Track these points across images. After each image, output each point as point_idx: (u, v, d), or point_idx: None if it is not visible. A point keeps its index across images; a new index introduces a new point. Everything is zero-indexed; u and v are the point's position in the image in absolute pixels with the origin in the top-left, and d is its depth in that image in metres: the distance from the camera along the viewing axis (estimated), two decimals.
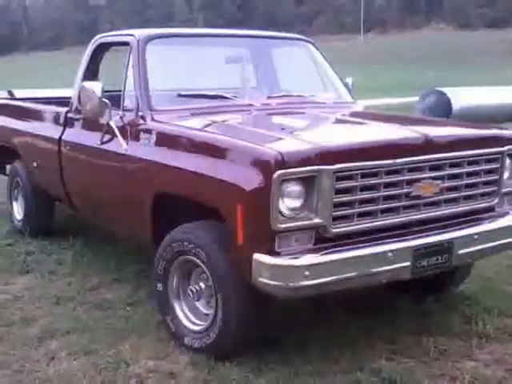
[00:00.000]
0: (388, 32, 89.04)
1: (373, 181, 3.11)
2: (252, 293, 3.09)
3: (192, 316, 3.52)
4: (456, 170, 3.42)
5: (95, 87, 3.97)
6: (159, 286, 3.58)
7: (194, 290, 3.46)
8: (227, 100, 4.15)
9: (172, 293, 3.56)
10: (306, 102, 4.48)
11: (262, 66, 4.98)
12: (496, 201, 3.65)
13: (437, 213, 3.40)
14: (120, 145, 3.92)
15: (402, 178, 3.21)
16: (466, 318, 3.89)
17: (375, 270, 3.09)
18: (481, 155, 3.50)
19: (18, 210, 5.90)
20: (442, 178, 3.35)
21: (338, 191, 3.00)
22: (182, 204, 3.50)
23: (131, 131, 3.91)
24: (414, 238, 3.24)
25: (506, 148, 3.59)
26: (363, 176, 3.07)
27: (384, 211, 3.20)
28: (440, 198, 3.38)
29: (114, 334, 3.68)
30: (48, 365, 3.37)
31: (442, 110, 13.66)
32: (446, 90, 14.65)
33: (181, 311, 3.55)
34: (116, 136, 3.96)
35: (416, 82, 30.70)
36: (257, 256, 2.93)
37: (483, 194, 3.60)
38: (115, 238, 5.15)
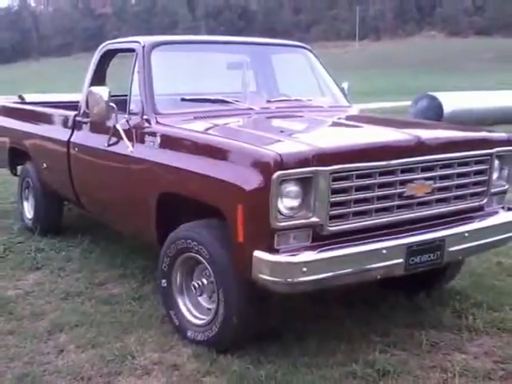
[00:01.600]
0: (382, 39, 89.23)
1: (367, 181, 3.11)
2: (252, 288, 3.08)
3: (195, 310, 3.51)
4: (447, 171, 3.41)
5: (102, 92, 3.96)
6: (163, 282, 3.58)
7: (197, 286, 3.46)
8: (228, 104, 4.15)
9: (176, 288, 3.55)
10: (304, 105, 4.47)
11: (261, 72, 4.97)
12: (485, 200, 3.65)
13: (429, 212, 3.39)
14: (126, 147, 3.91)
15: (395, 179, 3.20)
16: (457, 312, 3.88)
17: (370, 266, 3.09)
18: (471, 157, 3.49)
19: (28, 209, 5.90)
20: (433, 178, 3.35)
21: (335, 191, 3.00)
22: (185, 203, 3.49)
23: (137, 134, 3.91)
24: (407, 236, 3.24)
25: (494, 150, 3.59)
26: (358, 177, 3.07)
27: (378, 210, 3.19)
28: (432, 197, 3.38)
29: (120, 328, 3.68)
30: (57, 357, 3.37)
31: (434, 114, 13.67)
32: (437, 94, 14.67)
33: (184, 306, 3.54)
34: (122, 138, 3.96)
35: (409, 87, 30.73)
36: (257, 253, 2.92)
37: (473, 194, 3.59)
38: (121, 236, 5.15)
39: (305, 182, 2.93)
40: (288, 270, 2.89)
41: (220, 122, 3.85)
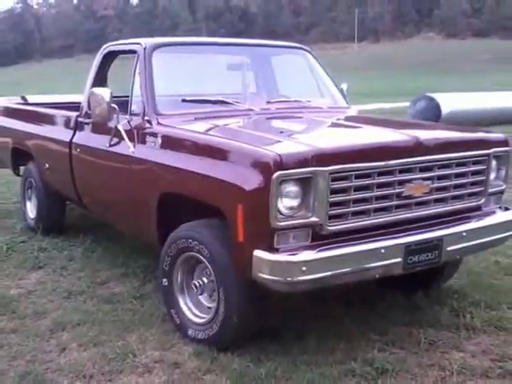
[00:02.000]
0: (381, 41, 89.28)
1: (366, 181, 3.11)
2: (252, 287, 3.08)
3: (195, 309, 3.51)
4: (445, 171, 3.41)
5: (104, 93, 3.97)
6: (164, 281, 3.58)
7: (198, 285, 3.46)
8: (229, 105, 4.15)
9: (177, 287, 3.55)
10: (304, 106, 4.47)
11: (261, 73, 4.97)
12: (483, 200, 3.65)
13: (427, 212, 3.39)
14: (127, 147, 3.91)
15: (393, 179, 3.20)
16: (455, 311, 3.88)
17: (368, 265, 3.09)
18: (468, 157, 3.49)
19: (31, 209, 5.90)
20: (431, 178, 3.35)
21: (334, 191, 3.00)
22: (185, 203, 3.49)
23: (138, 134, 3.91)
24: (405, 236, 3.24)
25: (491, 150, 3.59)
26: (357, 177, 3.07)
27: (377, 210, 3.19)
28: (430, 197, 3.37)
29: (121, 326, 3.68)
30: (59, 355, 3.37)
31: (432, 114, 13.65)
32: (435, 95, 14.65)
33: (185, 304, 3.54)
34: (123, 139, 3.96)
35: (407, 88, 30.72)
36: (257, 252, 2.93)
37: (471, 194, 3.59)
38: (123, 236, 5.15)
39: (304, 182, 2.93)
40: (287, 269, 2.89)
41: (220, 122, 3.85)
